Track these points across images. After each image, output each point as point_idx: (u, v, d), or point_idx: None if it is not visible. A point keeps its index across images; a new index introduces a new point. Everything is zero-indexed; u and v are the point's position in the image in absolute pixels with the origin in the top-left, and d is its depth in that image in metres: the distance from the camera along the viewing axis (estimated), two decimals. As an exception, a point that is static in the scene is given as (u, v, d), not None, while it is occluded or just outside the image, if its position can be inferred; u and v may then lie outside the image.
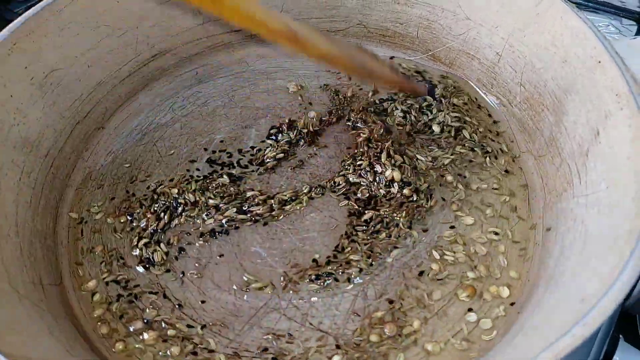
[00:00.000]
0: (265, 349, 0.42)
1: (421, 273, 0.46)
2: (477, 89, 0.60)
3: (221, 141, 0.57)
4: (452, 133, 0.56)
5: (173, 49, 0.62)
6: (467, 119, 0.57)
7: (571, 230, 0.43)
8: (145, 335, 0.43)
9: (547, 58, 0.50)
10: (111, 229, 0.50)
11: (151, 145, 0.57)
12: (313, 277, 0.46)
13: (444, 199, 0.51)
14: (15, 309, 0.37)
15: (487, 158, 0.54)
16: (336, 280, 0.46)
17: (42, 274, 0.44)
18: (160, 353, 0.42)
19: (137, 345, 0.43)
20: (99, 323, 0.44)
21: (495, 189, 0.52)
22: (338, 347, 0.42)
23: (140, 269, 0.48)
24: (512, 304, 0.44)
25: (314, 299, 0.45)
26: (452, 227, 0.49)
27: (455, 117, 0.56)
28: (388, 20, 0.64)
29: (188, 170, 0.54)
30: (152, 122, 0.59)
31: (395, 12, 0.63)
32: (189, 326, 0.44)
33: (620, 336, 0.47)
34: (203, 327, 0.44)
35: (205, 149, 0.56)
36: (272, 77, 0.64)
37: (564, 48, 0.48)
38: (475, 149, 0.54)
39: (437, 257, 0.47)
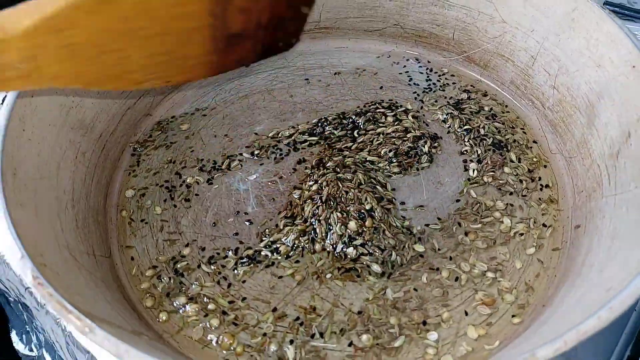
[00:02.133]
0: (299, 321, 0.45)
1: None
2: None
3: (255, 133, 0.60)
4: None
5: (218, 43, 0.65)
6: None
7: (599, 228, 0.44)
8: (188, 308, 0.46)
9: (581, 62, 0.52)
10: (158, 210, 0.53)
11: (195, 132, 0.60)
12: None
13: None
14: (76, 274, 0.40)
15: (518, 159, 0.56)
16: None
17: (95, 246, 0.48)
18: (201, 325, 0.45)
19: (179, 316, 0.46)
20: (146, 294, 0.47)
21: (525, 188, 0.53)
22: (367, 329, 0.45)
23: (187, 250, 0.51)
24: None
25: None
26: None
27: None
28: (425, 22, 0.66)
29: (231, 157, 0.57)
30: (196, 112, 0.62)
31: (432, 13, 0.65)
32: (230, 302, 0.47)
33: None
34: (244, 299, 0.46)
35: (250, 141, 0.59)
36: (310, 74, 0.66)
37: (598, 53, 0.49)
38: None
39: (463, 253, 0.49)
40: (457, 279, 0.47)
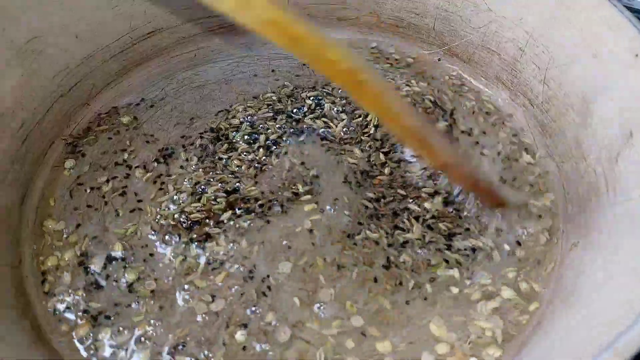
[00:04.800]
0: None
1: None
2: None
3: (211, 128, 0.52)
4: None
5: (171, 27, 0.58)
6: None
7: (595, 245, 0.37)
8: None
9: (575, 52, 0.45)
10: (86, 213, 0.46)
11: (139, 126, 0.53)
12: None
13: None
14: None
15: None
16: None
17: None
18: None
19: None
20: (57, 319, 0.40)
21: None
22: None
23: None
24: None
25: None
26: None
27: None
28: (403, 10, 0.59)
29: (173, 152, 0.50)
30: (142, 103, 0.55)
31: (411, 1, 0.58)
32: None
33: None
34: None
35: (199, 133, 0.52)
36: (276, 65, 0.59)
37: (595, 41, 0.43)
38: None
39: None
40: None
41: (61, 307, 0.40)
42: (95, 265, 0.42)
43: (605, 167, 0.40)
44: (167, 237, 0.44)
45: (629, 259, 0.31)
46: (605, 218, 0.37)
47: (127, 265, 0.42)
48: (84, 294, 0.41)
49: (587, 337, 0.28)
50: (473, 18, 0.55)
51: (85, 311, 0.40)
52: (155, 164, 0.49)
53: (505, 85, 0.54)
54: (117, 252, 0.43)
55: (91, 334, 0.39)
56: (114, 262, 0.43)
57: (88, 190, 0.47)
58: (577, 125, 0.45)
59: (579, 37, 0.45)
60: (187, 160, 0.49)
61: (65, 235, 0.44)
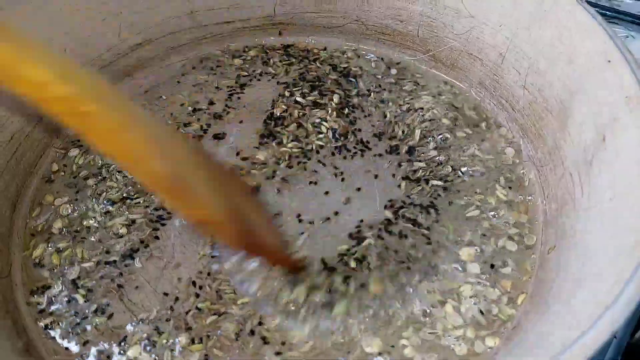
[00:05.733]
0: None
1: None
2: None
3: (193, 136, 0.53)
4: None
5: (159, 38, 0.59)
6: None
7: (571, 248, 0.38)
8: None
9: (552, 57, 0.46)
10: (71, 227, 0.47)
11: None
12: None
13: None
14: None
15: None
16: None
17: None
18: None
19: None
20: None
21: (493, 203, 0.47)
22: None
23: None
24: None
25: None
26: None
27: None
28: (388, 17, 0.60)
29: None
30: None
31: (395, 8, 0.59)
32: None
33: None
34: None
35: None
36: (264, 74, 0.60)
37: (571, 45, 0.44)
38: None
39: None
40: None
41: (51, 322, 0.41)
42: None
43: (580, 170, 0.40)
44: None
45: (599, 260, 0.32)
46: (580, 221, 0.38)
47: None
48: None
49: (559, 335, 0.29)
50: (455, 24, 0.56)
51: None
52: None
53: (488, 90, 0.55)
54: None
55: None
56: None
57: (76, 197, 0.48)
58: (555, 129, 0.45)
59: (557, 41, 0.45)
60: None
61: (55, 243, 0.45)
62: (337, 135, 0.53)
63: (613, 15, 0.71)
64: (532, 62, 0.48)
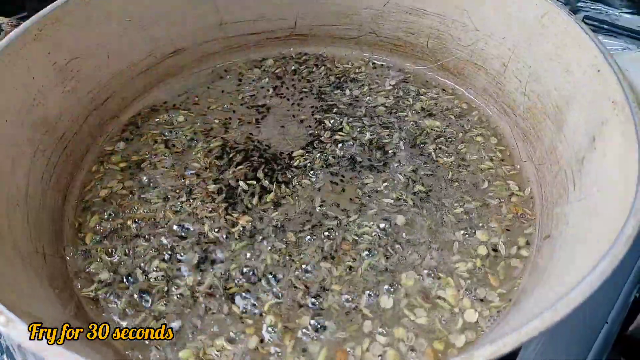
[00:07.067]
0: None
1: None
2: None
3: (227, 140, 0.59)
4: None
5: (192, 47, 0.65)
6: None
7: (563, 234, 0.43)
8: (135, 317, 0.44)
9: (550, 68, 0.51)
10: (118, 214, 0.52)
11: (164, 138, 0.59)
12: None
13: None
14: (18, 272, 0.39)
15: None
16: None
17: (46, 245, 0.46)
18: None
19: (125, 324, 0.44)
20: (92, 299, 0.46)
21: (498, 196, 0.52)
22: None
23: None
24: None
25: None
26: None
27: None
28: (400, 30, 0.65)
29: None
30: (166, 116, 0.62)
31: (407, 22, 0.64)
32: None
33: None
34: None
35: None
36: (285, 82, 0.66)
37: (567, 58, 0.49)
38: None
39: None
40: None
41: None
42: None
43: (573, 168, 0.45)
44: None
45: (585, 244, 0.37)
46: (572, 212, 0.43)
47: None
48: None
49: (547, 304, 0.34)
50: (462, 36, 0.61)
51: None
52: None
53: (492, 97, 0.60)
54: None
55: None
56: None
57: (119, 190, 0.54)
58: (552, 132, 0.50)
59: (554, 53, 0.51)
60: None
61: (100, 230, 0.51)
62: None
63: (610, 29, 0.77)
64: (532, 71, 0.54)
